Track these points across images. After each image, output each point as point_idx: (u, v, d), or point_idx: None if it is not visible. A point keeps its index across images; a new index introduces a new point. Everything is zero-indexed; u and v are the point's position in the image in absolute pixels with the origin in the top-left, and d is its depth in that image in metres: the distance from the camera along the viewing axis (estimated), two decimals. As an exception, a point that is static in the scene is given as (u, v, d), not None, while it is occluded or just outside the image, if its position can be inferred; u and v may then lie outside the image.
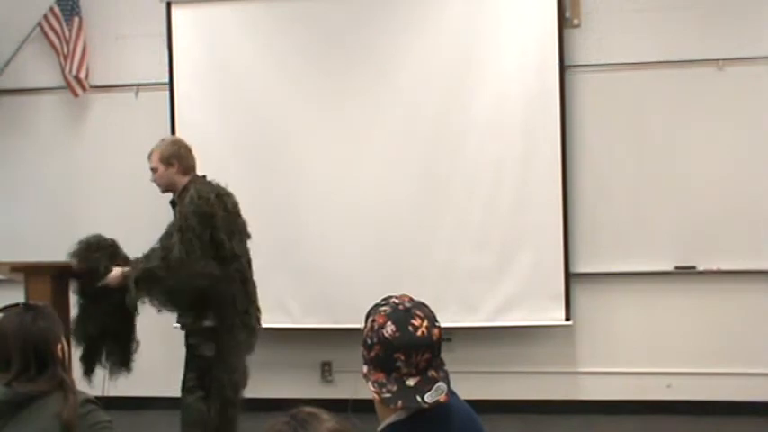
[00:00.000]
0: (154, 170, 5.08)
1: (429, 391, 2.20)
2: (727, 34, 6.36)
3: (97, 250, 4.99)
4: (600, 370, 6.56)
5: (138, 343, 5.23)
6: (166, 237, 4.92)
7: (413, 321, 2.23)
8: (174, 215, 5.01)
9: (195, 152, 6.68)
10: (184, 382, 5.17)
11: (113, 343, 5.21)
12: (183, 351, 6.99)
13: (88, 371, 5.17)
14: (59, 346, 2.80)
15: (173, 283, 4.84)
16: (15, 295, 4.74)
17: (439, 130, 6.48)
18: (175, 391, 6.86)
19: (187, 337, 5.11)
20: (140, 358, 6.91)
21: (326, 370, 6.88)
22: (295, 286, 6.61)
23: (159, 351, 6.93)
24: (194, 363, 5.11)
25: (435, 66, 6.48)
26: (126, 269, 4.92)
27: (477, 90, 6.44)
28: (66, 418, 2.63)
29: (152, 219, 6.80)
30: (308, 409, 1.84)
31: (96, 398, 2.81)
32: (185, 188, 5.01)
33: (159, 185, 5.12)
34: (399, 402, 2.19)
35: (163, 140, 5.21)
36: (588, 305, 6.51)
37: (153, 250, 4.95)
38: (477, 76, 6.44)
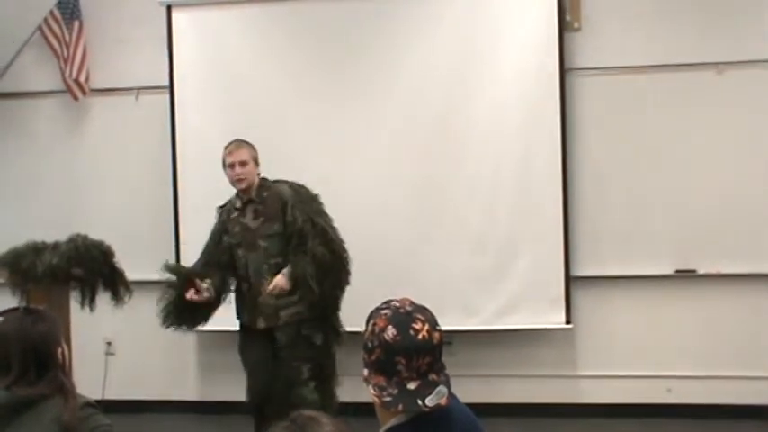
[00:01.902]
0: (244, 164, 5.27)
1: (430, 394, 2.20)
2: (726, 38, 6.36)
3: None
4: (600, 373, 6.55)
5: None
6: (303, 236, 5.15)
7: (414, 325, 2.23)
8: (247, 214, 5.30)
9: (196, 155, 6.75)
10: (296, 376, 5.19)
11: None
12: (180, 355, 7.03)
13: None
14: (59, 350, 2.80)
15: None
16: (15, 299, 4.76)
17: (439, 132, 6.47)
18: (175, 395, 6.90)
19: (299, 328, 5.20)
20: (140, 362, 6.96)
21: (327, 373, 6.87)
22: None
23: (159, 355, 6.95)
24: (307, 353, 5.21)
25: (435, 69, 6.47)
26: (286, 272, 5.11)
27: (477, 93, 6.44)
28: (67, 422, 2.63)
29: (152, 222, 6.85)
30: (308, 413, 1.84)
31: (96, 401, 2.80)
32: (263, 186, 5.30)
33: (244, 180, 5.29)
34: (400, 406, 2.19)
35: (242, 140, 5.41)
36: (588, 308, 6.51)
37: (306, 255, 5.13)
38: (477, 80, 6.44)
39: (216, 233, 5.45)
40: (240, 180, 5.28)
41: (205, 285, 5.18)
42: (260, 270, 5.22)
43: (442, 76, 6.47)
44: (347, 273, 5.25)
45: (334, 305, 5.26)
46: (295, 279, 5.09)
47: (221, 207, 5.51)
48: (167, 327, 5.46)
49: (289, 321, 5.20)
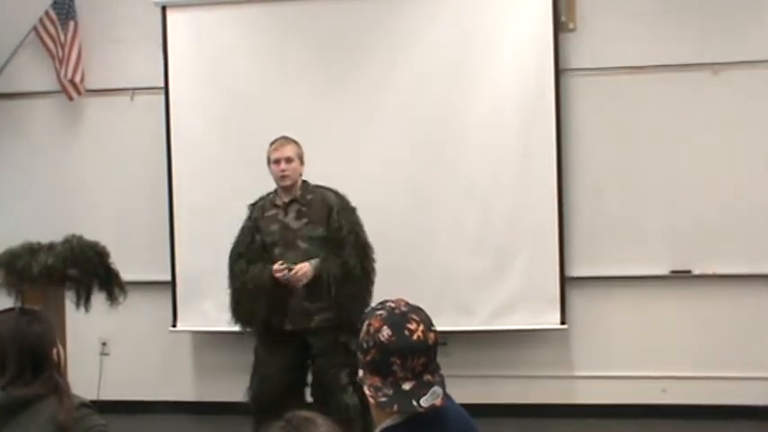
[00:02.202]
0: (290, 160, 5.21)
1: (425, 395, 2.20)
2: (722, 38, 6.36)
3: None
4: (595, 374, 6.56)
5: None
6: (338, 245, 5.14)
7: (409, 325, 2.23)
8: (289, 213, 5.21)
9: (191, 155, 6.75)
10: (335, 383, 5.14)
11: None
12: (176, 355, 7.02)
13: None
14: (55, 350, 2.80)
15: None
16: (10, 300, 4.75)
17: (435, 133, 6.47)
18: (170, 395, 6.90)
19: (336, 335, 5.10)
20: (136, 363, 6.96)
21: (322, 374, 6.86)
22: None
23: (155, 356, 6.95)
24: (344, 360, 5.12)
25: (431, 70, 6.47)
26: (314, 263, 5.09)
27: (472, 94, 6.44)
28: (62, 422, 2.63)
29: (148, 223, 6.84)
30: (304, 413, 1.84)
31: (91, 402, 2.80)
32: (306, 189, 5.27)
33: (288, 177, 5.21)
34: (395, 406, 2.19)
35: (288, 137, 5.32)
36: (584, 309, 6.51)
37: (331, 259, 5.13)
38: (473, 81, 6.44)
39: (248, 231, 5.32)
40: (285, 177, 5.19)
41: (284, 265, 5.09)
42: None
43: (437, 78, 6.47)
44: (369, 293, 5.20)
45: (356, 319, 5.17)
46: (319, 274, 5.06)
47: (253, 205, 5.39)
48: (246, 328, 5.37)
49: (321, 327, 5.12)
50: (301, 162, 5.29)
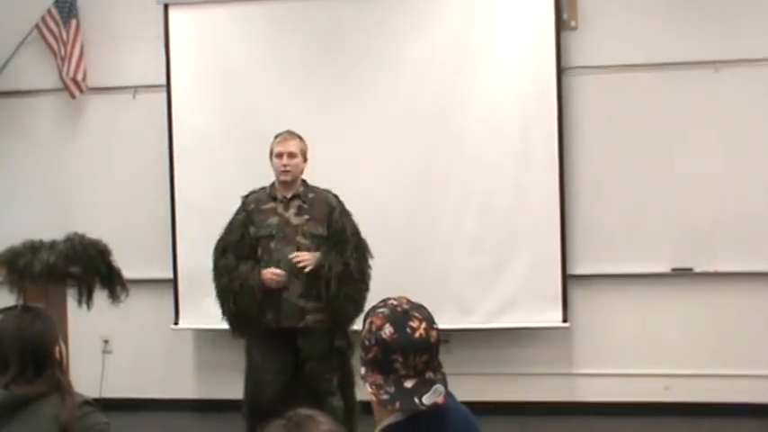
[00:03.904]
0: (293, 155, 5.16)
1: (427, 392, 2.21)
2: (723, 36, 6.36)
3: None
4: (597, 372, 6.56)
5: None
6: (339, 248, 5.12)
7: (411, 323, 2.24)
8: (290, 209, 5.15)
9: (192, 153, 6.75)
10: (327, 388, 5.13)
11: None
12: (178, 353, 7.02)
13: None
14: (57, 348, 2.80)
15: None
16: (12, 297, 4.76)
17: (436, 132, 6.48)
18: (172, 393, 6.90)
19: (332, 339, 5.10)
20: (138, 360, 6.97)
21: (324, 372, 6.86)
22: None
23: (157, 353, 6.95)
24: (334, 362, 5.17)
25: (432, 68, 6.48)
26: (317, 255, 5.07)
27: (474, 92, 6.44)
28: (64, 420, 2.63)
29: (149, 221, 6.84)
30: (305, 411, 1.84)
31: (93, 399, 2.81)
32: (307, 187, 5.23)
33: (289, 173, 5.15)
34: (397, 404, 2.20)
35: (293, 132, 5.27)
36: (585, 307, 6.51)
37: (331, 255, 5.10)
38: (475, 79, 6.44)
39: (237, 226, 5.21)
40: (286, 172, 5.13)
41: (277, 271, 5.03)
42: (294, 267, 5.03)
43: (439, 76, 6.48)
44: (364, 298, 5.10)
45: (348, 320, 5.14)
46: (320, 267, 5.02)
47: (246, 197, 5.29)
48: (239, 336, 5.33)
49: (313, 327, 5.06)
50: (304, 159, 5.23)
